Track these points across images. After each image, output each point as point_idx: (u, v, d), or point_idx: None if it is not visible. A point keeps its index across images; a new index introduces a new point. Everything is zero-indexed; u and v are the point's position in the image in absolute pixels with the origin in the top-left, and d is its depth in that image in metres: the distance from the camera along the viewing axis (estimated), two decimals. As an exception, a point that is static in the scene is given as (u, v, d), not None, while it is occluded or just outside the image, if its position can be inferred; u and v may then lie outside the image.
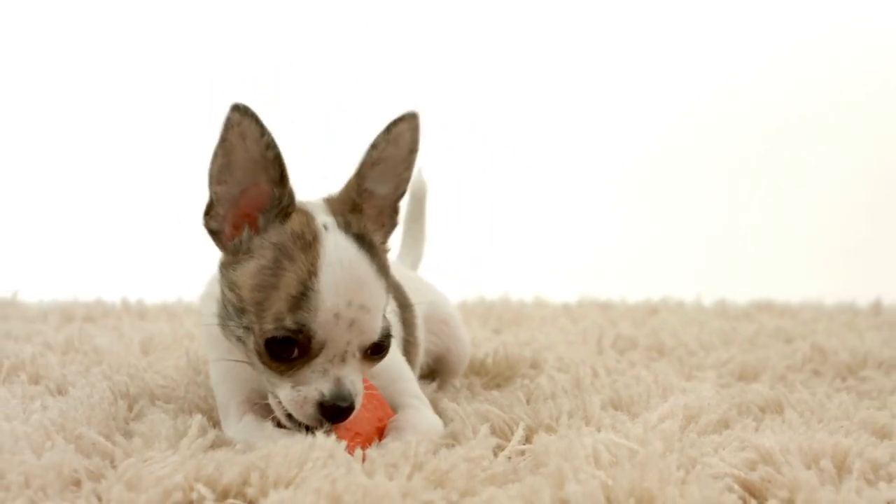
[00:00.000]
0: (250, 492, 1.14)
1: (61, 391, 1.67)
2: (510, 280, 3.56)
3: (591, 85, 4.35)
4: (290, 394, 1.28)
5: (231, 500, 1.14)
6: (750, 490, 1.22)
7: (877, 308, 3.20)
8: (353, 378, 1.30)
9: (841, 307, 3.27)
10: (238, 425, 1.38)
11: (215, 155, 1.28)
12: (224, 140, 1.26)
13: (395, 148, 1.40)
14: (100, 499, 1.13)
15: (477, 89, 4.24)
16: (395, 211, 1.44)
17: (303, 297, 1.24)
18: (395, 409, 1.44)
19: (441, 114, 4.07)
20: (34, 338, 2.23)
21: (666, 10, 4.35)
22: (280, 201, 1.29)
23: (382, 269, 1.33)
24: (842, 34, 4.32)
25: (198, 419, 1.37)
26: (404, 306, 1.65)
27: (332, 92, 4.05)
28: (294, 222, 1.29)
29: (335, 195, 1.41)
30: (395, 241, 2.11)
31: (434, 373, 1.87)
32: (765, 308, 3.32)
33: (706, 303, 3.44)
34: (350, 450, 1.26)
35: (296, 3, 4.09)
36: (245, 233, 1.31)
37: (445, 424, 1.51)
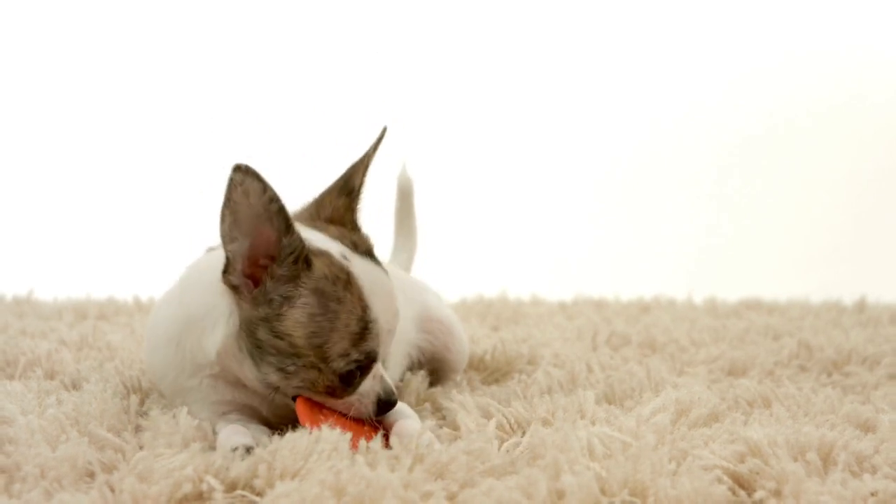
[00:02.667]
0: (258, 483, 1.17)
1: (76, 386, 1.70)
2: (508, 279, 3.60)
3: (586, 87, 4.37)
4: (347, 401, 1.41)
5: (239, 492, 1.17)
6: (739, 481, 1.25)
7: (861, 306, 3.22)
8: (384, 372, 1.44)
9: (827, 305, 3.29)
10: (217, 431, 1.42)
11: (223, 216, 1.32)
12: (229, 200, 1.30)
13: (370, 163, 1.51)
14: (112, 490, 1.16)
15: (474, 89, 4.27)
16: None
17: (364, 331, 1.36)
18: None
19: (440, 114, 4.11)
20: (49, 335, 2.26)
21: (668, 7, 4.38)
22: (293, 250, 1.33)
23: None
24: (832, 37, 4.36)
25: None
26: None
27: (329, 91, 4.07)
28: (321, 265, 1.36)
29: (327, 213, 1.48)
30: (386, 242, 2.13)
31: (435, 370, 1.90)
32: (754, 306, 3.34)
33: (697, 301, 3.47)
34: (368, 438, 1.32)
35: (293, 4, 4.11)
36: (268, 283, 1.35)
37: (445, 417, 1.57)
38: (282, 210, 1.31)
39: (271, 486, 1.16)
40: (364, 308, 1.36)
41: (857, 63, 4.36)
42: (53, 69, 3.99)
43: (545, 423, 1.48)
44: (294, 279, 1.34)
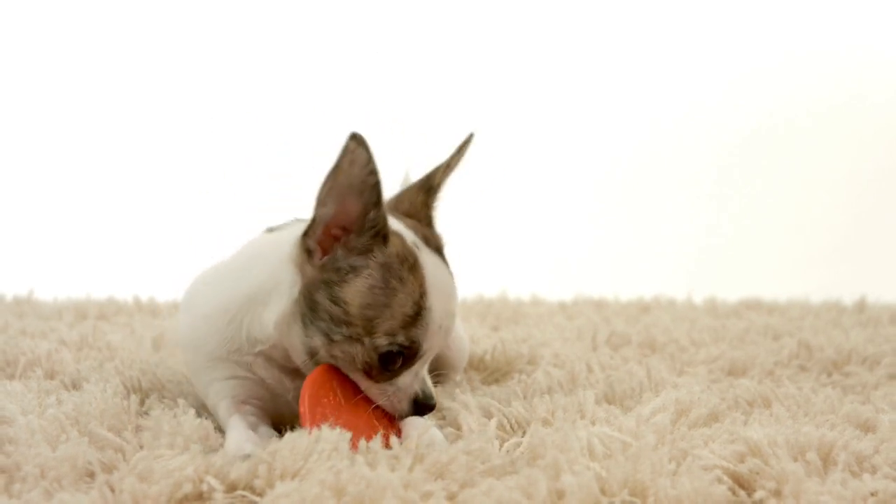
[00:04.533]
0: (258, 483, 1.17)
1: (76, 386, 1.70)
2: (508, 279, 3.61)
3: (586, 87, 4.38)
4: (385, 390, 1.42)
5: (239, 492, 1.17)
6: (739, 481, 1.25)
7: (861, 306, 3.22)
8: (427, 376, 1.46)
9: (827, 305, 3.29)
10: (227, 427, 1.43)
11: (327, 179, 1.34)
12: (338, 166, 1.33)
13: (456, 165, 1.55)
14: (112, 490, 1.16)
15: (474, 89, 4.27)
16: None
17: (417, 316, 1.37)
18: None
19: (439, 114, 4.12)
20: (49, 335, 2.25)
21: (668, 7, 4.39)
22: (375, 224, 1.37)
23: None
24: (832, 37, 4.37)
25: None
26: None
27: (331, 92, 4.07)
28: (394, 244, 1.39)
29: (405, 207, 1.51)
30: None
31: (435, 369, 1.91)
32: (753, 306, 3.35)
33: (697, 301, 3.47)
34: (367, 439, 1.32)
35: (294, 4, 4.12)
36: (339, 252, 1.38)
37: (444, 417, 1.57)
38: (377, 185, 1.34)
39: (271, 486, 1.16)
40: (422, 294, 1.38)
41: (857, 63, 4.36)
42: (53, 69, 3.99)
43: (545, 423, 1.48)
44: (367, 252, 1.37)
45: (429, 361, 1.47)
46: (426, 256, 1.42)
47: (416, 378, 1.43)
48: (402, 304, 1.37)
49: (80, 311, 2.80)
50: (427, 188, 1.53)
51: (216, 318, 1.48)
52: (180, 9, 4.04)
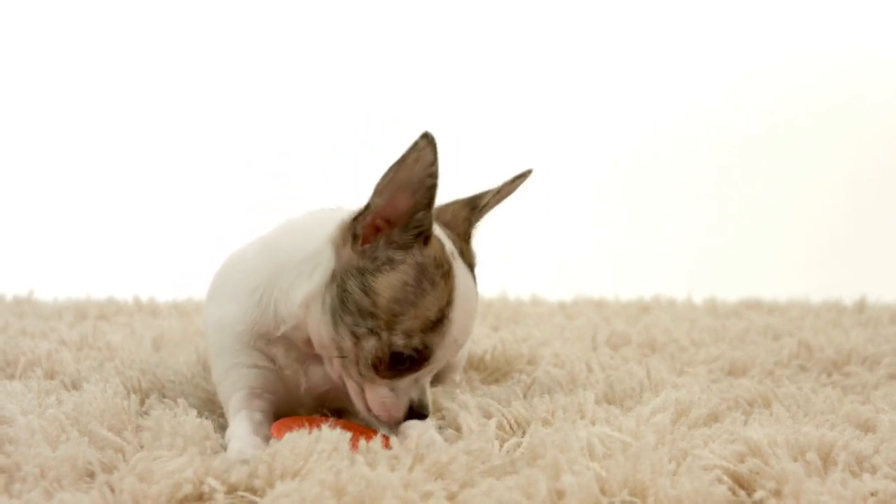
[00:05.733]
0: (258, 483, 1.17)
1: (76, 386, 1.70)
2: (508, 279, 3.61)
3: (587, 87, 4.38)
4: (384, 393, 1.42)
5: (240, 493, 1.16)
6: (739, 481, 1.25)
7: (861, 306, 3.22)
8: (428, 387, 1.47)
9: (827, 305, 3.29)
10: (232, 423, 1.44)
11: (389, 170, 1.36)
12: (403, 159, 1.34)
13: (507, 194, 1.57)
14: (112, 490, 1.15)
15: (474, 90, 4.27)
16: None
17: (438, 323, 1.38)
18: None
19: (439, 114, 4.12)
20: (49, 335, 2.25)
21: (668, 7, 4.39)
22: (422, 224, 1.38)
23: None
24: (832, 37, 4.37)
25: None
26: None
27: (331, 91, 4.08)
28: (434, 247, 1.41)
29: (446, 217, 1.52)
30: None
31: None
32: (753, 306, 3.35)
33: (697, 301, 3.47)
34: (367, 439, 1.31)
35: (296, 4, 4.12)
36: (381, 242, 1.40)
37: (444, 417, 1.58)
38: (434, 188, 1.35)
39: (271, 486, 1.16)
40: (449, 304, 1.39)
41: (857, 63, 4.36)
42: (53, 69, 3.99)
43: (545, 423, 1.48)
44: (407, 248, 1.39)
45: (432, 374, 1.48)
46: (460, 268, 1.43)
47: (415, 385, 1.43)
48: (428, 308, 1.38)
49: (80, 311, 2.80)
50: (473, 206, 1.55)
51: (247, 297, 1.49)
52: (180, 9, 4.05)
